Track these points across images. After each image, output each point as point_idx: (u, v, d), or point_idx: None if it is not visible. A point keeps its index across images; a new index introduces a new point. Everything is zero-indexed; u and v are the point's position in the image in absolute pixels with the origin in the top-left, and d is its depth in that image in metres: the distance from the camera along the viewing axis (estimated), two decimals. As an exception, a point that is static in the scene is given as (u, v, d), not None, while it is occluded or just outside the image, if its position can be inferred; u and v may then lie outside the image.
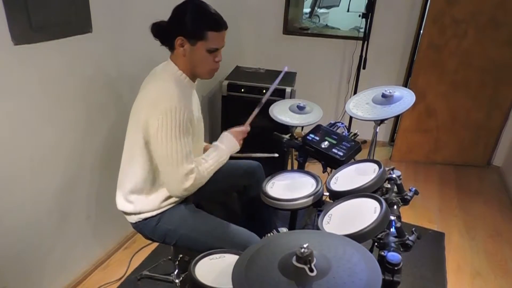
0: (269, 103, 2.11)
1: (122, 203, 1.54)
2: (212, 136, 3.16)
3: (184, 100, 1.37)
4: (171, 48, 1.44)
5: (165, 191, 1.49)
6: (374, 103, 1.81)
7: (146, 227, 1.54)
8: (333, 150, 1.73)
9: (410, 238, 1.18)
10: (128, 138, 1.51)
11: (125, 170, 1.53)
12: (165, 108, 1.32)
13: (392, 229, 1.19)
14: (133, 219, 1.54)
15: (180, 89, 1.39)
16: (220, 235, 1.50)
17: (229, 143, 1.59)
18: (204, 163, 1.47)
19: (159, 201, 1.50)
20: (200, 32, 1.36)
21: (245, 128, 1.68)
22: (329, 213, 1.23)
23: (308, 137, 1.83)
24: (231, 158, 1.63)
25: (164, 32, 1.41)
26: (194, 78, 1.52)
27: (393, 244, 1.15)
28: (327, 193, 1.40)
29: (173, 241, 1.53)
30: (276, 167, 1.83)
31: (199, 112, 1.61)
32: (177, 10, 1.40)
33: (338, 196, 1.30)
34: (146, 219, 1.52)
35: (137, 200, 1.50)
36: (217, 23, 1.39)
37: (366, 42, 3.07)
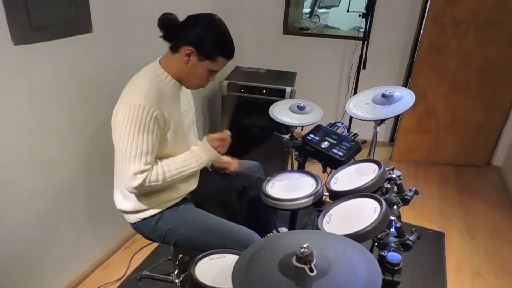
0: (269, 103, 2.11)
1: (120, 202, 1.54)
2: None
3: (155, 99, 1.34)
4: (174, 49, 1.41)
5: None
6: (374, 103, 1.81)
7: (146, 227, 1.54)
8: (333, 150, 1.72)
9: (410, 238, 1.18)
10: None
11: (117, 167, 1.53)
12: (130, 103, 1.32)
13: (392, 229, 1.19)
14: (132, 219, 1.54)
15: (155, 88, 1.37)
16: (220, 234, 1.49)
17: (203, 148, 1.50)
18: (164, 166, 1.40)
19: (155, 197, 1.50)
20: (214, 54, 1.38)
21: (224, 134, 1.54)
22: (329, 213, 1.23)
23: (308, 137, 1.83)
24: None
25: (174, 31, 1.38)
26: (180, 82, 1.49)
27: (393, 244, 1.15)
28: (327, 193, 1.40)
29: (173, 241, 1.53)
30: (276, 167, 1.82)
31: (186, 115, 1.56)
32: (200, 22, 1.37)
33: (338, 196, 1.30)
34: (145, 219, 1.52)
35: (134, 197, 1.50)
36: (231, 53, 1.43)
37: (366, 42, 3.07)
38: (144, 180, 1.33)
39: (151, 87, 1.36)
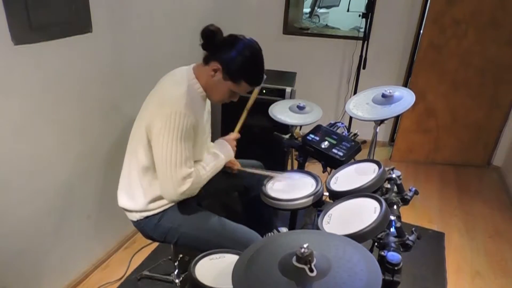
0: (269, 103, 2.12)
1: (124, 201, 1.54)
2: (212, 136, 3.16)
3: (191, 107, 1.37)
4: (206, 61, 1.44)
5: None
6: (374, 103, 1.81)
7: (148, 225, 1.54)
8: (333, 150, 1.73)
9: (410, 238, 1.18)
10: (133, 135, 1.51)
11: (128, 167, 1.53)
12: (170, 111, 1.33)
13: (392, 229, 1.19)
14: (135, 217, 1.54)
15: (190, 96, 1.40)
16: (221, 233, 1.50)
17: (226, 151, 1.62)
18: (202, 169, 1.48)
19: (161, 200, 1.51)
20: (238, 78, 1.41)
21: (236, 135, 1.73)
22: (329, 213, 1.23)
23: (308, 137, 1.83)
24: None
25: (212, 43, 1.40)
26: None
27: (393, 244, 1.15)
28: (327, 193, 1.40)
29: (174, 240, 1.53)
30: (276, 167, 1.83)
31: (207, 125, 1.63)
32: (235, 44, 1.39)
33: (338, 196, 1.30)
34: (148, 217, 1.52)
35: (139, 198, 1.50)
36: (257, 82, 1.47)
37: (366, 42, 3.07)
38: (193, 183, 1.38)
39: (187, 96, 1.38)
